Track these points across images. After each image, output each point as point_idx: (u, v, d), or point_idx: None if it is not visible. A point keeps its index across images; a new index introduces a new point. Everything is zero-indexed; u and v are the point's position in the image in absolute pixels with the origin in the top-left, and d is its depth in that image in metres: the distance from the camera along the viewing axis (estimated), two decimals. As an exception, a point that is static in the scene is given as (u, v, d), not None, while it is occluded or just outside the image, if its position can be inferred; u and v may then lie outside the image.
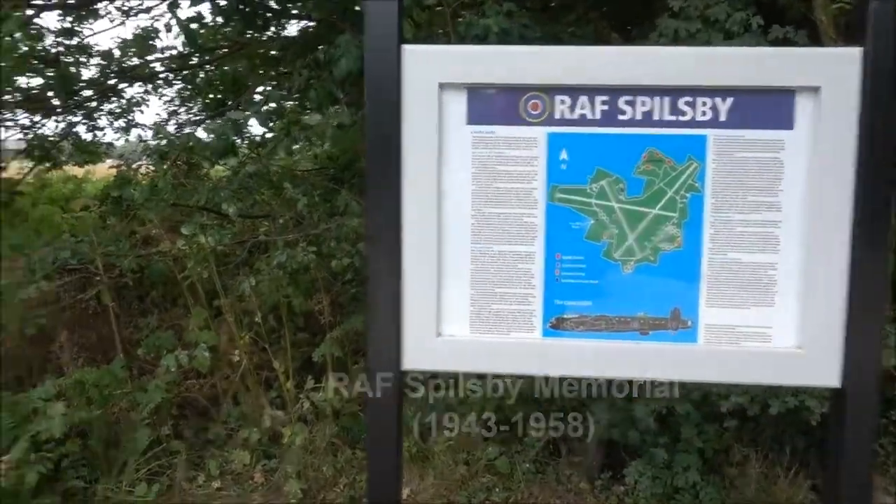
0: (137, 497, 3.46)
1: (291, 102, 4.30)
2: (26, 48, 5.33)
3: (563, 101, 1.44)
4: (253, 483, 3.59)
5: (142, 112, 6.29)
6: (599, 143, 1.43)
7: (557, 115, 1.44)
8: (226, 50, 6.06)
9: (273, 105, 4.50)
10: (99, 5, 5.91)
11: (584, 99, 1.43)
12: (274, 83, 5.41)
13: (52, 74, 5.68)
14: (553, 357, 1.44)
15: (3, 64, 5.14)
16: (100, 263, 3.87)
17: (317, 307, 3.78)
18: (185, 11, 5.15)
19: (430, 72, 1.43)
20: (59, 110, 6.11)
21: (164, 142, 4.30)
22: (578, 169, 1.44)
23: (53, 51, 5.74)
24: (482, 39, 2.57)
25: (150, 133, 5.83)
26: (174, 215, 4.22)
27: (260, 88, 6.13)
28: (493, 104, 1.45)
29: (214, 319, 3.90)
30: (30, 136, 6.07)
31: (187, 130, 5.91)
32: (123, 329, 4.12)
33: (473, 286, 1.46)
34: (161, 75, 6.30)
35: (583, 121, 1.44)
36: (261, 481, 3.58)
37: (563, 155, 1.44)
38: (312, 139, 4.73)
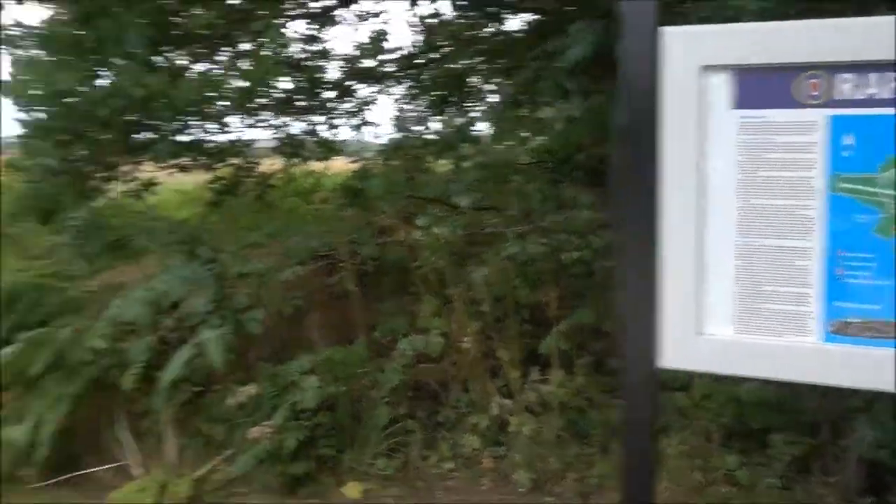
0: (378, 470, 3.73)
1: (520, 96, 4.35)
2: (279, 55, 5.95)
3: (846, 80, 1.27)
4: (481, 468, 3.70)
5: (370, 110, 6.74)
6: (893, 127, 1.26)
7: (839, 96, 1.28)
8: (451, 48, 6.29)
9: (495, 99, 4.60)
10: (336, 12, 6.42)
11: (873, 77, 1.26)
12: (499, 78, 5.51)
13: (300, 78, 6.27)
14: (834, 365, 1.29)
15: (262, 69, 5.77)
16: (344, 251, 4.21)
17: (543, 300, 3.80)
18: (425, 8, 5.42)
19: (692, 54, 1.34)
20: (303, 111, 6.73)
21: (399, 137, 4.56)
22: (866, 156, 1.27)
23: (296, 56, 6.33)
24: (734, 21, 2.37)
25: (380, 130, 6.23)
26: (407, 206, 4.46)
27: (477, 80, 6.31)
28: (763, 86, 1.32)
29: (444, 307, 4.07)
30: (280, 135, 6.76)
31: (416, 126, 6.25)
32: (362, 313, 4.43)
33: (738, 283, 1.36)
34: (392, 75, 6.70)
35: (871, 101, 1.26)
36: (489, 467, 3.68)
37: (848, 140, 1.28)
38: (531, 133, 4.75)
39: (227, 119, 6.22)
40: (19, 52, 5.07)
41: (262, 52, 5.83)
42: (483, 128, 5.32)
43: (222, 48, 6.18)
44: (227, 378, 3.95)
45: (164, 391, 3.82)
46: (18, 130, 5.03)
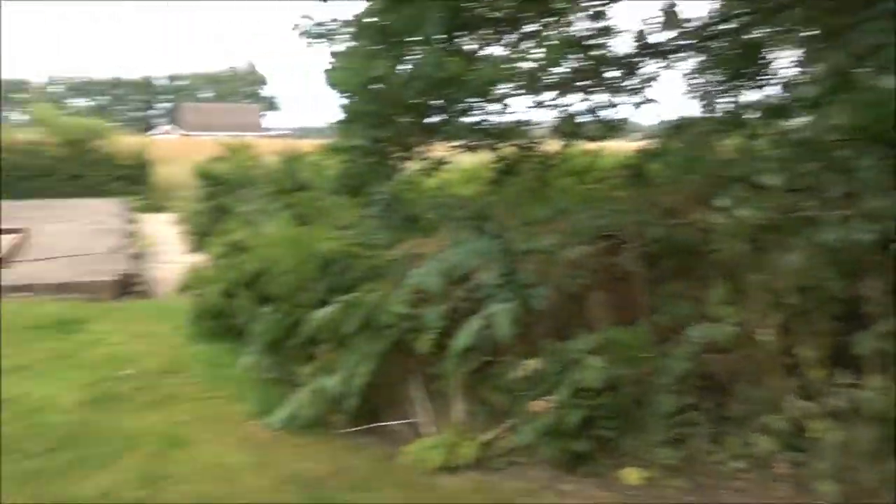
0: (660, 459, 3.61)
1: (842, 63, 3.85)
2: (567, 35, 5.97)
3: None
4: (775, 472, 3.41)
5: (651, 87, 6.46)
6: None
7: None
8: (750, 15, 5.78)
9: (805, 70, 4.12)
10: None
11: None
12: (811, 45, 4.95)
13: (584, 57, 6.22)
14: None
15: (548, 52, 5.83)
16: (629, 232, 4.11)
17: (863, 293, 3.34)
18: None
19: None
20: (584, 90, 6.68)
21: (690, 113, 4.32)
22: None
23: (580, 35, 6.27)
24: None
25: (664, 107, 5.96)
26: (700, 186, 4.22)
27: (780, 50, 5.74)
28: None
29: (738, 295, 3.78)
30: (560, 114, 6.79)
31: (708, 102, 5.88)
32: (645, 295, 4.29)
33: None
34: (681, 49, 6.35)
35: None
36: (784, 472, 3.38)
37: None
38: (854, 105, 4.18)
39: (510, 100, 6.43)
40: (337, 44, 5.70)
41: (550, 33, 5.89)
42: (787, 101, 4.83)
43: (509, 32, 6.35)
44: (513, 350, 4.08)
45: (454, 357, 4.07)
46: (334, 118, 5.69)
